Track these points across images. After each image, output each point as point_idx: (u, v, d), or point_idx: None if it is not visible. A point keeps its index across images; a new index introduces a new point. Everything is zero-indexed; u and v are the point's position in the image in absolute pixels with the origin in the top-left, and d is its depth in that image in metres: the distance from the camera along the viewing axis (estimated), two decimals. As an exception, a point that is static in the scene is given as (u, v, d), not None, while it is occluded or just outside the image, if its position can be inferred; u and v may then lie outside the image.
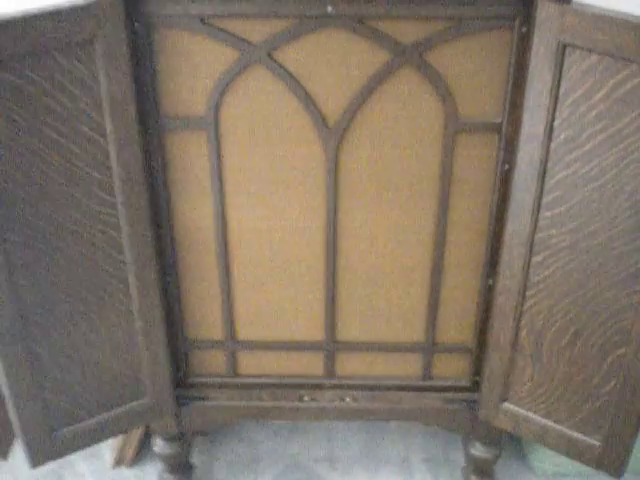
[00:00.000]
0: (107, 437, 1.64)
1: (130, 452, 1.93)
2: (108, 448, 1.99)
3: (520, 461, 1.98)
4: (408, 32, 1.33)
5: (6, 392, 1.49)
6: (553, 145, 1.33)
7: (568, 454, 1.62)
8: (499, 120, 1.40)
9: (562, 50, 1.25)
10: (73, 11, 1.22)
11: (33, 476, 1.93)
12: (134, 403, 1.62)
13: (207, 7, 1.30)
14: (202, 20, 1.32)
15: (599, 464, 1.58)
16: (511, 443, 2.01)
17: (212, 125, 1.41)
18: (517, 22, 1.30)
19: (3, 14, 1.18)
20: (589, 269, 1.40)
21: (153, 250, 1.48)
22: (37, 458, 1.57)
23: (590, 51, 1.23)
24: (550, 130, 1.32)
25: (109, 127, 1.33)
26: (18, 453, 1.98)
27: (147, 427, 1.92)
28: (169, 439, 1.76)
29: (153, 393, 1.63)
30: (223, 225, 1.52)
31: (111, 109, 1.32)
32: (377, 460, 1.98)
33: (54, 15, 1.20)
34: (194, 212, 1.51)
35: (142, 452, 1.97)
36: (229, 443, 2.02)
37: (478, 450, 1.77)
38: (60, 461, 1.96)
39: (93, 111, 1.31)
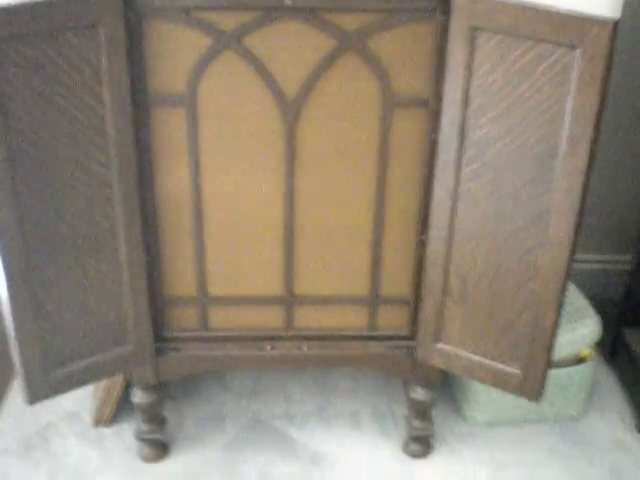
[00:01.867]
0: (95, 380, 1.95)
1: (108, 413, 2.23)
2: (87, 412, 2.29)
3: (455, 414, 2.34)
4: (351, 22, 1.69)
5: (11, 333, 1.78)
6: (469, 111, 1.71)
7: (494, 384, 1.96)
8: (426, 95, 1.78)
9: (473, 32, 1.63)
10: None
11: (20, 438, 2.21)
12: (120, 349, 1.93)
13: (189, 0, 1.67)
14: (185, 11, 1.68)
15: (520, 391, 1.93)
16: (446, 399, 2.37)
17: (190, 102, 1.76)
18: (438, 12, 1.68)
19: (28, -1, 1.53)
20: (503, 214, 1.77)
21: (139, 209, 1.81)
22: (34, 396, 1.86)
23: (495, 32, 1.61)
24: (466, 98, 1.70)
25: (107, 98, 1.66)
26: (5, 418, 2.27)
27: (123, 389, 2.21)
28: (147, 389, 2.06)
29: (136, 341, 1.94)
30: (197, 190, 1.85)
31: (109, 83, 1.65)
32: (330, 415, 2.31)
33: (68, 1, 1.56)
34: (173, 178, 1.84)
35: (119, 414, 2.27)
36: (196, 405, 2.34)
37: (418, 394, 2.10)
38: (43, 424, 2.26)
39: (95, 84, 1.64)
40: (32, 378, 1.84)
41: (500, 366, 1.93)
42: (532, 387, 1.92)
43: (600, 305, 2.37)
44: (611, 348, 2.50)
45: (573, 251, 1.74)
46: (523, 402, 2.22)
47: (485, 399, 2.25)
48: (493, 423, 2.30)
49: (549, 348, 1.86)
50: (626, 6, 1.61)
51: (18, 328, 1.77)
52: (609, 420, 2.33)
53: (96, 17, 1.59)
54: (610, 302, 2.51)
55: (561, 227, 1.71)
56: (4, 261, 1.69)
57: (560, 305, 1.81)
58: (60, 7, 1.55)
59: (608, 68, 1.55)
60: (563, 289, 1.78)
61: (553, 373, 2.20)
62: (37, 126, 1.62)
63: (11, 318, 1.76)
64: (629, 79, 2.49)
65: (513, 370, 1.92)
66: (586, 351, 2.25)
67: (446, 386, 2.40)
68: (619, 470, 2.17)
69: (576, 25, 1.53)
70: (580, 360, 2.25)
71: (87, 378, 1.92)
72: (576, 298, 2.32)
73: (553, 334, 1.84)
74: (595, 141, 1.62)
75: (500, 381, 1.95)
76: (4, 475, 2.10)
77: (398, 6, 1.68)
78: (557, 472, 2.16)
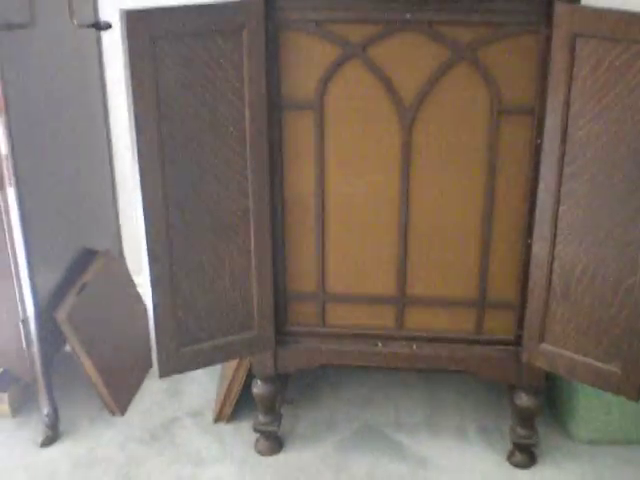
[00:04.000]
0: (221, 360, 2.19)
1: (228, 408, 2.44)
2: (210, 411, 2.51)
3: (561, 431, 2.45)
4: (464, 35, 1.95)
5: (150, 304, 2.03)
6: (570, 112, 1.91)
7: (594, 384, 2.09)
8: (532, 103, 1.99)
9: (573, 39, 1.86)
10: (230, 5, 1.88)
11: (146, 428, 2.45)
12: (245, 333, 2.16)
13: (321, 14, 1.95)
14: (316, 23, 1.97)
15: (619, 389, 2.04)
16: (552, 417, 2.49)
17: (318, 106, 2.03)
18: (542, 25, 1.92)
19: (185, 3, 1.85)
20: (602, 211, 1.94)
21: (269, 202, 2.07)
22: (165, 369, 2.10)
23: (592, 37, 1.83)
24: (567, 101, 1.91)
25: (247, 96, 1.95)
26: (135, 411, 2.52)
27: (243, 388, 2.42)
28: (266, 380, 2.28)
29: (259, 327, 2.16)
30: (321, 189, 2.10)
31: (249, 83, 1.95)
32: (437, 426, 2.47)
33: (217, 6, 1.87)
34: (300, 176, 2.10)
35: (239, 413, 2.49)
36: (311, 410, 2.55)
37: (522, 400, 2.23)
38: (169, 418, 2.49)
39: (237, 82, 1.94)
40: (165, 353, 2.08)
41: (600, 365, 2.05)
42: (632, 386, 2.02)
43: None
44: None
45: (670, 244, 1.89)
46: (628, 421, 2.34)
47: (590, 416, 2.35)
48: (598, 442, 2.39)
49: (649, 345, 1.98)
50: None
51: (156, 304, 2.03)
52: None
53: (241, 24, 1.89)
54: None
55: (657, 221, 1.87)
56: (149, 239, 1.97)
57: (659, 301, 1.94)
58: (211, 12, 1.87)
59: (696, 61, 1.74)
60: (661, 284, 1.92)
61: (658, 391, 2.31)
62: (185, 115, 1.92)
63: (150, 293, 2.02)
64: None
65: (613, 369, 2.04)
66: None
67: (552, 404, 2.53)
68: None
69: (665, 25, 1.74)
70: (688, 382, 2.34)
71: (214, 358, 2.15)
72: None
73: (653, 331, 1.97)
74: (687, 133, 1.79)
75: (600, 380, 2.07)
76: (130, 458, 2.34)
77: (506, 20, 1.93)
78: (661, 492, 2.24)
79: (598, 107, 1.88)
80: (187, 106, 1.92)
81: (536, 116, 2.00)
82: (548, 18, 1.90)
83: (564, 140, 1.94)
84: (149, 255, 1.98)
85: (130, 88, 1.85)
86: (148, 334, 2.43)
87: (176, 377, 2.63)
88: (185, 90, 1.90)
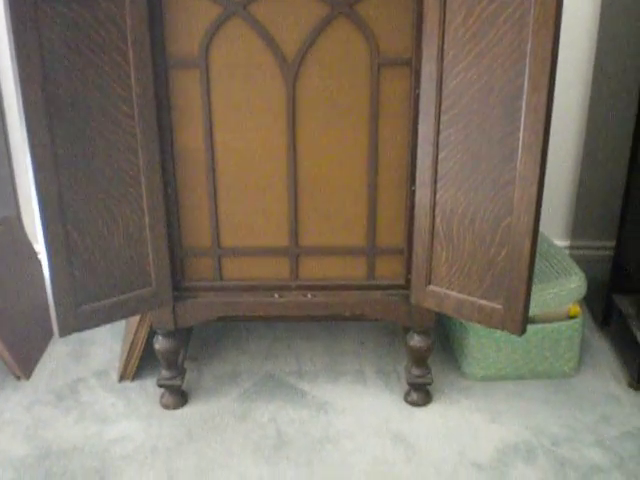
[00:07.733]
0: (120, 317, 2.24)
1: (132, 366, 2.52)
2: (114, 370, 2.59)
3: (455, 372, 2.59)
4: (341, -10, 2.05)
5: (45, 265, 2.09)
6: (445, 62, 2.03)
7: (480, 322, 2.22)
8: (409, 55, 2.10)
9: (444, -9, 1.98)
10: (110, -33, 1.94)
11: (52, 391, 2.51)
12: (142, 290, 2.23)
13: (201, -28, 2.03)
14: (197, -18, 2.04)
15: (503, 325, 2.19)
16: (446, 358, 2.64)
17: (202, 64, 2.11)
18: (415, -21, 2.03)
19: (65, -35, 1.90)
20: (478, 156, 2.06)
21: (159, 159, 2.13)
22: (64, 328, 2.16)
23: (462, -12, 1.95)
24: (441, 51, 2.02)
25: (131, 55, 2.01)
26: (39, 375, 2.58)
27: (145, 347, 2.51)
28: (167, 335, 2.36)
29: (156, 283, 2.24)
30: (210, 145, 2.18)
31: (133, 42, 2.01)
32: (337, 373, 2.59)
33: (98, -32, 1.93)
34: (189, 133, 2.17)
35: (142, 372, 2.58)
36: (214, 364, 2.65)
37: (415, 340, 2.37)
38: (74, 379, 2.55)
39: (121, 42, 2.00)
40: (63, 312, 2.14)
41: (484, 302, 2.19)
42: (514, 321, 2.17)
43: (593, 279, 2.63)
44: (603, 315, 2.75)
45: (541, 184, 2.02)
46: (517, 357, 2.49)
47: (480, 355, 2.50)
48: (490, 378, 2.54)
49: (528, 281, 2.11)
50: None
51: (51, 263, 2.09)
52: (601, 377, 2.57)
53: (121, -16, 1.95)
54: (600, 276, 2.77)
55: (529, 162, 2.00)
56: (40, 198, 2.02)
57: (535, 238, 2.07)
58: (91, -27, 1.92)
59: (558, 9, 1.86)
60: (536, 221, 2.05)
61: (543, 328, 2.47)
62: (71, 76, 1.97)
63: (45, 253, 2.08)
64: (614, 75, 2.80)
65: (496, 306, 2.17)
66: (575, 309, 2.50)
67: (446, 345, 2.68)
68: (609, 418, 2.40)
69: (529, -25, 1.86)
70: (570, 317, 2.50)
71: (113, 315, 2.22)
72: (562, 257, 2.59)
73: (530, 266, 2.10)
74: (553, 77, 1.92)
75: (485, 317, 2.21)
76: (37, 419, 2.40)
77: (383, -24, 2.03)
78: (549, 418, 2.39)
79: (470, 56, 1.99)
80: (73, 68, 1.97)
81: (414, 67, 2.10)
82: (420, -29, 2.01)
83: (440, 89, 2.06)
84: (42, 216, 2.03)
85: (14, 53, 1.89)
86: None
87: (80, 340, 2.72)
88: (70, 52, 1.95)
